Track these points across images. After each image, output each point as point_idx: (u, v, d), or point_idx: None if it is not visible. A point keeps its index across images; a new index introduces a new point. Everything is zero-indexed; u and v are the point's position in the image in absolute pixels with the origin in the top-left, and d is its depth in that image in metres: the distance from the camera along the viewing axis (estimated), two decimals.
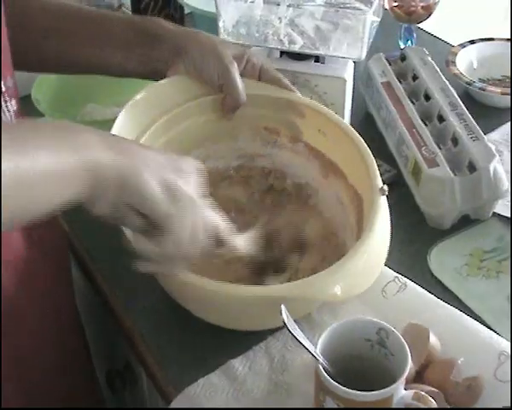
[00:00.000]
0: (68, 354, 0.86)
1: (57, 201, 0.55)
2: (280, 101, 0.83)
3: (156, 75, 0.82)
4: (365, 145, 0.78)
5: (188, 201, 0.62)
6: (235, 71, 0.80)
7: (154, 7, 1.21)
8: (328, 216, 0.84)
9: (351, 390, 0.60)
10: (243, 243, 0.73)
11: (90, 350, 0.95)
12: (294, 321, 0.63)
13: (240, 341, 0.75)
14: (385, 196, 0.74)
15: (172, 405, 0.72)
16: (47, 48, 0.82)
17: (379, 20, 0.95)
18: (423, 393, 0.63)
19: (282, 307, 0.60)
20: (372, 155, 0.77)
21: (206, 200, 0.65)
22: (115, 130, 0.74)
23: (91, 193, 0.56)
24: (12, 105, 0.72)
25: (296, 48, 0.91)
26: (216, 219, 0.67)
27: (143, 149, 0.63)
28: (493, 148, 0.89)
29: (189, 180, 0.63)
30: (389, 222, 0.75)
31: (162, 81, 0.81)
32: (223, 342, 0.75)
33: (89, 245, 0.91)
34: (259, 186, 0.89)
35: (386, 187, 0.73)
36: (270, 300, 0.66)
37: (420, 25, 1.22)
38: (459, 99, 0.97)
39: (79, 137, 0.56)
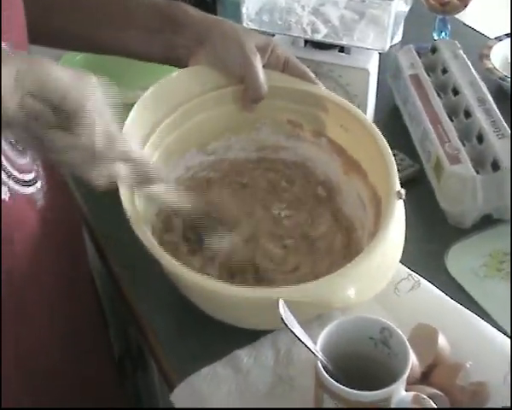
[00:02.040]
0: (88, 337, 0.87)
1: None
2: (303, 94, 0.81)
3: (179, 62, 0.81)
4: (387, 145, 0.75)
5: (97, 86, 0.60)
6: (258, 63, 0.78)
7: None
8: (348, 213, 0.82)
9: (348, 389, 0.59)
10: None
11: (109, 333, 0.95)
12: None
13: (247, 332, 0.74)
14: (401, 200, 0.72)
15: (175, 392, 0.71)
16: (71, 26, 0.82)
17: (407, 9, 0.92)
18: (424, 396, 0.61)
19: (280, 301, 0.60)
20: (392, 157, 0.75)
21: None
22: (132, 116, 0.74)
23: (8, 104, 0.56)
24: None
25: (319, 37, 0.90)
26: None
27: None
28: None
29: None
30: (404, 225, 0.74)
31: (182, 70, 0.80)
32: (230, 332, 0.74)
33: (107, 233, 0.91)
34: (281, 178, 0.87)
35: (403, 191, 0.71)
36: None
37: (458, 16, 1.19)
38: (489, 94, 0.95)
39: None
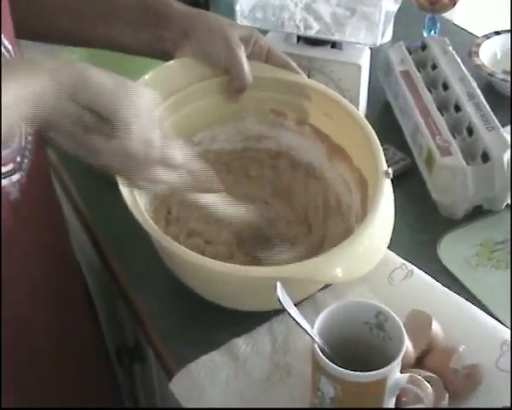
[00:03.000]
0: (79, 336, 0.87)
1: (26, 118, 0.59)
2: (286, 83, 0.83)
3: (165, 56, 0.83)
4: (371, 128, 0.77)
5: (139, 92, 0.63)
6: (242, 53, 0.80)
7: None
8: (335, 198, 0.84)
9: (344, 370, 0.60)
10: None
11: (101, 330, 0.96)
12: (299, 303, 0.63)
13: (244, 321, 0.75)
14: (389, 179, 0.74)
15: (174, 381, 0.72)
16: (59, 21, 0.83)
17: (397, 6, 0.94)
18: (419, 377, 0.63)
19: (278, 284, 0.61)
20: (377, 139, 0.77)
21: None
22: None
23: (52, 108, 0.58)
24: None
25: (312, 33, 0.91)
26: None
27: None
28: (509, 138, 0.88)
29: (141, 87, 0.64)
30: (393, 206, 0.75)
31: (169, 63, 0.82)
32: (228, 322, 0.76)
33: (103, 228, 0.92)
34: (267, 167, 0.89)
35: (390, 170, 0.73)
36: (269, 280, 0.65)
37: (447, 15, 1.21)
38: (478, 89, 0.96)
39: (35, 67, 0.59)
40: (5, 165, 0.71)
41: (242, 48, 0.80)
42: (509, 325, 0.74)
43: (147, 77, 0.80)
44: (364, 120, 0.78)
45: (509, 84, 1.06)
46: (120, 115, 0.60)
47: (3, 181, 0.71)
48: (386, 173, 0.73)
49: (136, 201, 0.71)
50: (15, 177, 0.73)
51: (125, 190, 0.70)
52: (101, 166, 0.63)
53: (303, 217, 0.85)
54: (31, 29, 0.78)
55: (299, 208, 0.85)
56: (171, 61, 0.82)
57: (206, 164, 0.71)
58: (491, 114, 0.92)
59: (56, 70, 0.59)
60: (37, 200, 0.78)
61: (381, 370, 0.60)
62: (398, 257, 0.80)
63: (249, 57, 0.81)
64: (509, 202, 0.88)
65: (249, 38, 0.82)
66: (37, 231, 0.78)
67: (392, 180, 0.74)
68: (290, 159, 0.87)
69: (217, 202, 0.75)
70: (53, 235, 0.83)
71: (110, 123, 0.60)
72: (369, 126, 0.77)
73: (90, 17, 0.83)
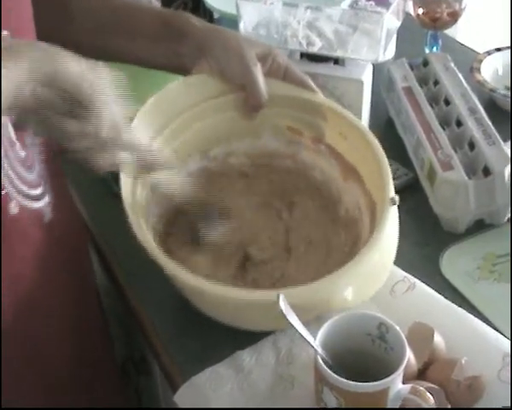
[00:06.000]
0: (91, 348, 0.88)
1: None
2: (303, 102, 0.84)
3: (182, 70, 0.84)
4: (382, 152, 0.78)
5: (108, 78, 0.63)
6: (258, 71, 0.80)
7: (183, 10, 1.24)
8: (346, 219, 0.84)
9: (347, 381, 0.61)
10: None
11: (113, 343, 0.97)
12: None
13: (248, 334, 0.76)
14: (395, 206, 0.74)
15: (178, 393, 0.73)
16: (78, 33, 0.84)
17: (399, 23, 0.95)
18: (421, 388, 0.63)
19: (280, 295, 0.62)
20: (388, 163, 0.77)
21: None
22: (137, 122, 0.76)
23: (28, 96, 0.58)
24: None
25: (314, 49, 0.93)
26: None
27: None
28: (509, 153, 0.89)
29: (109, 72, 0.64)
30: (397, 229, 0.76)
31: (185, 78, 0.83)
32: (232, 335, 0.76)
33: (109, 240, 0.93)
34: (282, 185, 0.89)
35: (397, 197, 0.73)
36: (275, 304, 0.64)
37: (449, 32, 1.23)
38: (479, 105, 0.98)
39: (13, 56, 0.58)
40: (35, 188, 0.73)
41: (258, 65, 0.81)
42: (511, 338, 0.74)
43: (162, 91, 0.81)
44: (377, 142, 0.78)
45: (509, 100, 1.07)
46: (93, 102, 0.61)
47: (38, 203, 0.73)
48: (392, 200, 0.73)
49: (143, 229, 0.72)
50: (47, 198, 0.75)
51: (132, 217, 0.71)
52: (71, 148, 0.64)
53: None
54: (57, 44, 0.79)
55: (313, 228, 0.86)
56: (187, 77, 0.83)
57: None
58: (493, 128, 0.93)
59: (35, 59, 0.59)
60: (64, 221, 0.79)
61: (383, 380, 0.61)
62: (400, 270, 0.81)
63: (267, 75, 0.82)
64: (510, 215, 0.89)
65: (267, 55, 0.82)
66: (65, 250, 0.80)
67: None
68: (305, 177, 0.87)
69: (164, 178, 0.75)
70: (78, 255, 0.85)
71: (82, 108, 0.61)
72: (381, 149, 0.77)
73: (113, 33, 0.84)
